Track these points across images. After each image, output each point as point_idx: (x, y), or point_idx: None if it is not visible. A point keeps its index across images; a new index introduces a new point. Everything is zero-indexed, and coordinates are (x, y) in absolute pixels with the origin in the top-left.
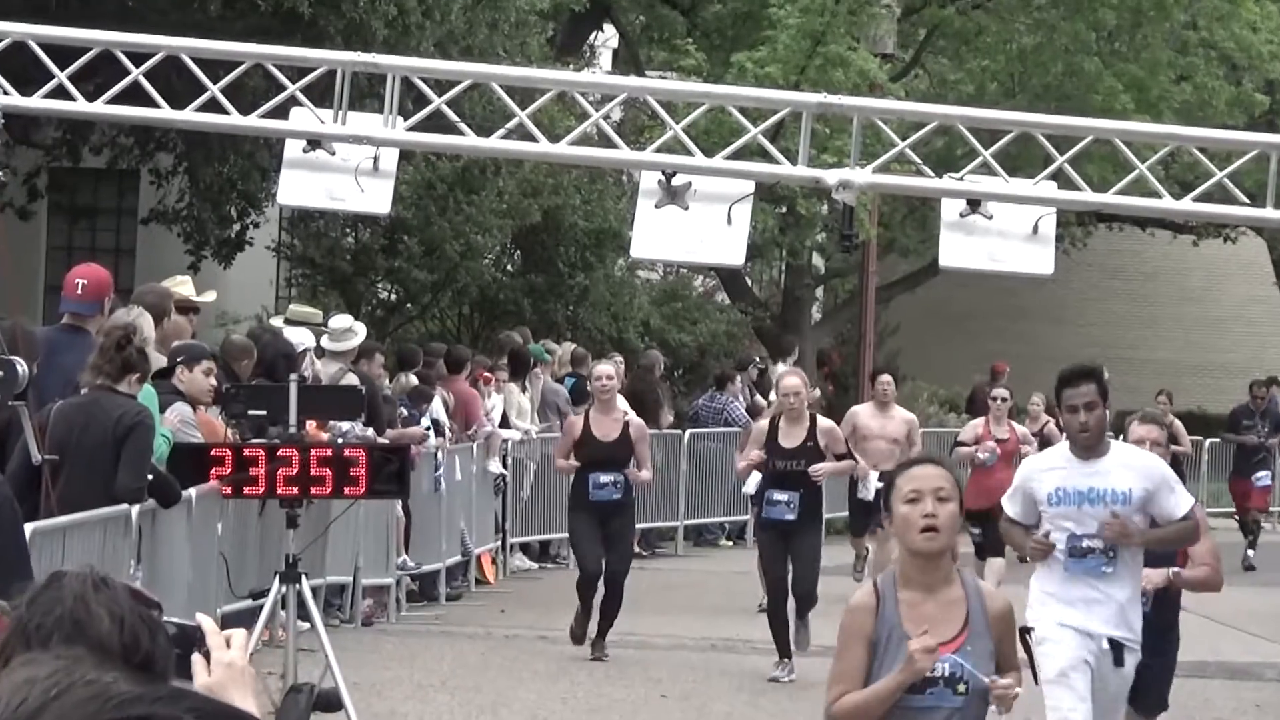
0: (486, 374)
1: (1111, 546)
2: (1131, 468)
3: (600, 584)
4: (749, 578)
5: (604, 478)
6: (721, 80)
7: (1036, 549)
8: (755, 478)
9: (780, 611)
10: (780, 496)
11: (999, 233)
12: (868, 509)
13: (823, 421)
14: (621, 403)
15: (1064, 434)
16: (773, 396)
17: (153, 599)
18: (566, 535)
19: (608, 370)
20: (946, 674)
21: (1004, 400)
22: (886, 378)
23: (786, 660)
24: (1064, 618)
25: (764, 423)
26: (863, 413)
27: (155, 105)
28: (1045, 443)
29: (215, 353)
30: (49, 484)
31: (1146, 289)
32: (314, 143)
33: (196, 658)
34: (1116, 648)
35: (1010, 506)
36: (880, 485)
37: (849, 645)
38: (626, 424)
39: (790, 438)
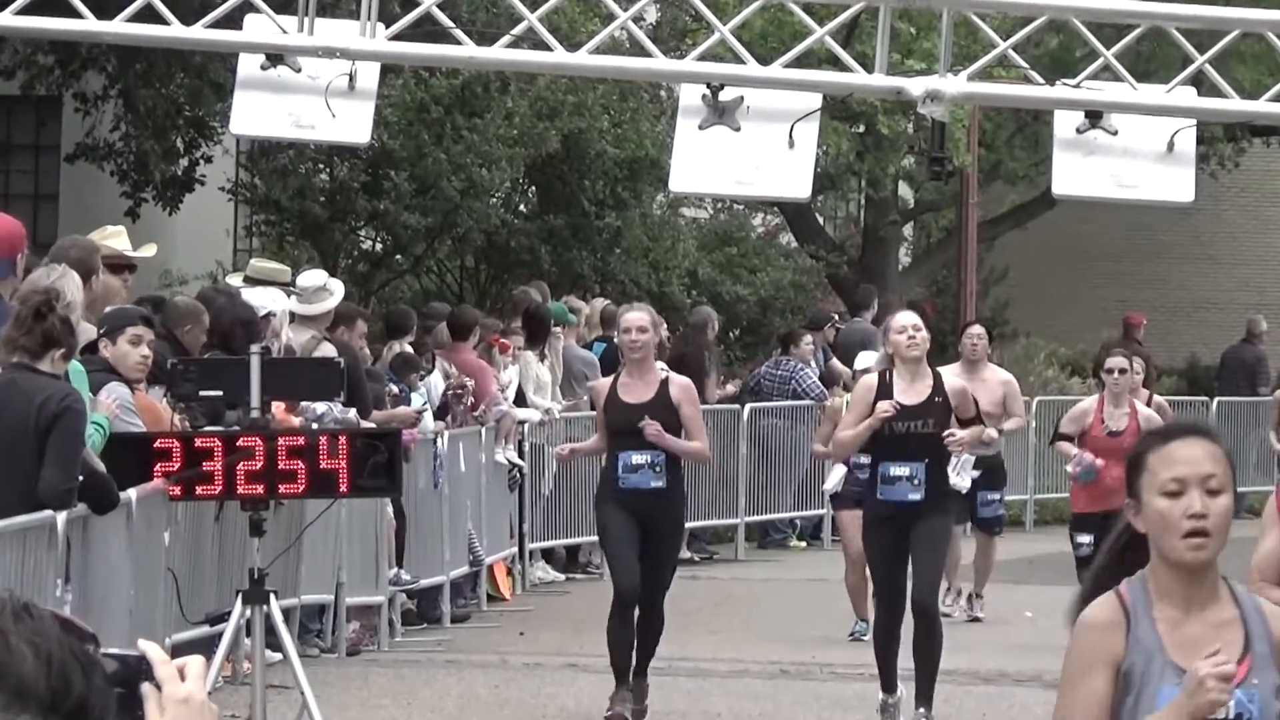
0: (503, 340)
1: None
2: None
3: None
4: (827, 587)
5: (637, 457)
6: None
7: None
8: (839, 472)
9: (894, 629)
10: (900, 471)
11: (1126, 152)
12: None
13: (950, 380)
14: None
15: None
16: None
17: (86, 630)
18: (597, 538)
19: (640, 320)
20: (1231, 716)
21: (1121, 372)
22: (977, 330)
23: (894, 694)
24: None
25: (870, 378)
26: (947, 377)
27: (78, 15)
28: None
29: (148, 315)
30: None
31: None
32: (275, 58)
33: (148, 689)
34: None
35: None
36: (977, 474)
37: (1086, 673)
38: (665, 382)
39: (911, 393)
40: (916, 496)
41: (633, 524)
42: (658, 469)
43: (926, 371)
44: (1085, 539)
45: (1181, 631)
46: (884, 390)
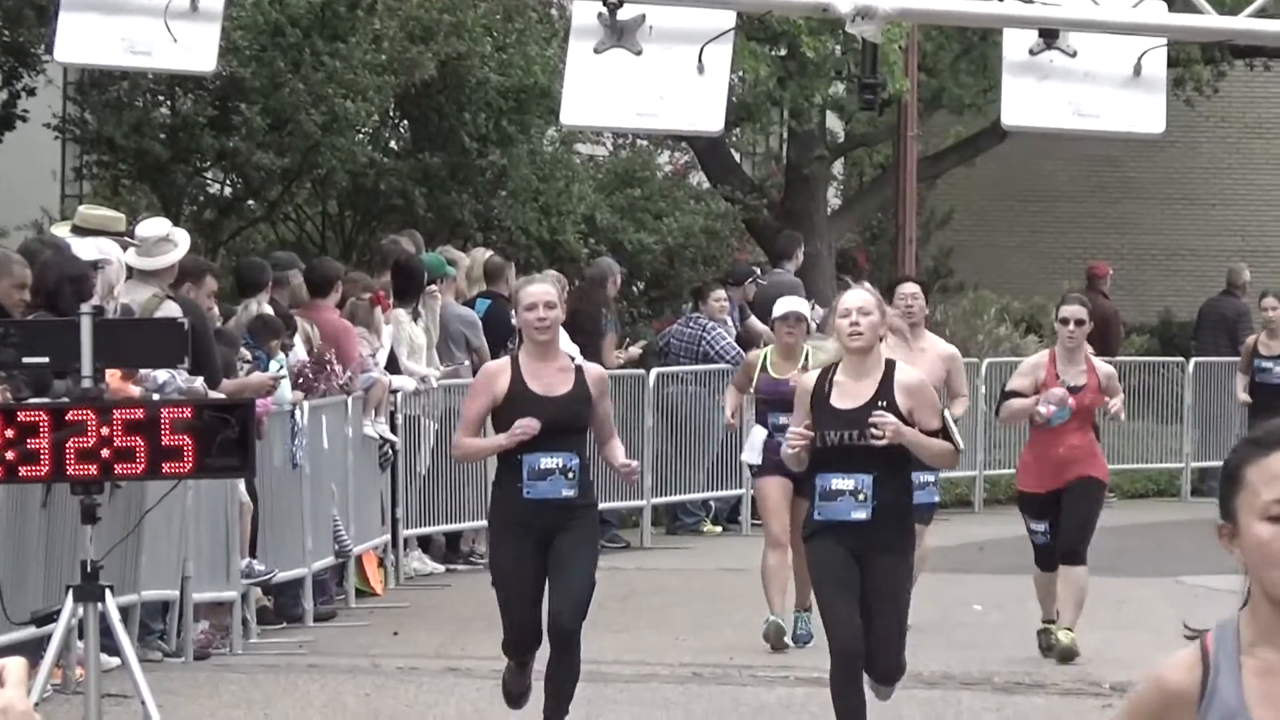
0: (381, 295)
1: None
2: None
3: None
4: (746, 577)
5: (546, 460)
6: None
7: None
8: (758, 436)
9: (854, 675)
10: (842, 484)
11: (1086, 76)
12: None
13: (905, 373)
14: (566, 343)
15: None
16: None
17: None
18: (481, 525)
19: (548, 294)
20: None
21: (1078, 324)
22: (911, 288)
23: None
24: None
25: (810, 377)
26: (902, 371)
27: None
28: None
29: None
30: None
31: None
32: None
33: None
34: None
35: None
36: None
37: None
38: (580, 371)
39: (851, 394)
40: (862, 515)
41: (532, 547)
42: (570, 475)
43: (877, 363)
44: (1039, 527)
45: (1277, 681)
46: (821, 392)
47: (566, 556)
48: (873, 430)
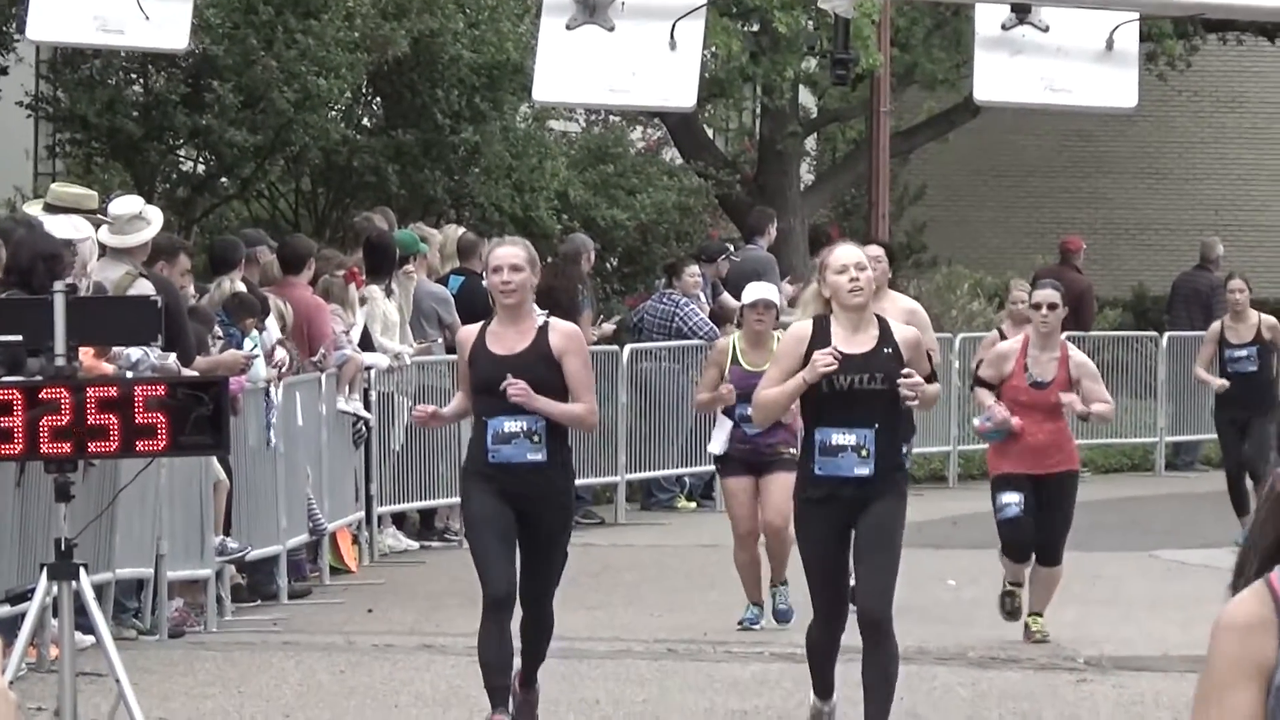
0: (355, 272)
1: None
2: None
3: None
4: (720, 553)
5: (510, 424)
6: None
7: None
8: (725, 428)
9: (834, 635)
10: (843, 439)
11: (1059, 51)
12: None
13: (901, 330)
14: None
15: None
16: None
17: None
18: (456, 501)
19: (513, 256)
20: None
21: (1050, 308)
22: (875, 250)
23: (829, 700)
24: None
25: (802, 326)
26: (896, 325)
27: None
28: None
29: None
30: None
31: (1278, 126)
32: None
33: None
34: None
35: None
36: None
37: (1227, 688)
38: (544, 329)
39: (854, 343)
40: (865, 471)
41: (505, 509)
42: (536, 438)
43: (872, 318)
44: (1013, 497)
45: None
46: (820, 339)
47: (537, 537)
48: (905, 392)
